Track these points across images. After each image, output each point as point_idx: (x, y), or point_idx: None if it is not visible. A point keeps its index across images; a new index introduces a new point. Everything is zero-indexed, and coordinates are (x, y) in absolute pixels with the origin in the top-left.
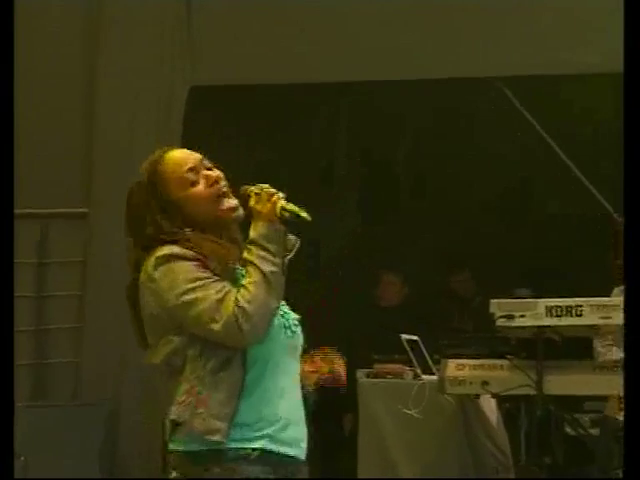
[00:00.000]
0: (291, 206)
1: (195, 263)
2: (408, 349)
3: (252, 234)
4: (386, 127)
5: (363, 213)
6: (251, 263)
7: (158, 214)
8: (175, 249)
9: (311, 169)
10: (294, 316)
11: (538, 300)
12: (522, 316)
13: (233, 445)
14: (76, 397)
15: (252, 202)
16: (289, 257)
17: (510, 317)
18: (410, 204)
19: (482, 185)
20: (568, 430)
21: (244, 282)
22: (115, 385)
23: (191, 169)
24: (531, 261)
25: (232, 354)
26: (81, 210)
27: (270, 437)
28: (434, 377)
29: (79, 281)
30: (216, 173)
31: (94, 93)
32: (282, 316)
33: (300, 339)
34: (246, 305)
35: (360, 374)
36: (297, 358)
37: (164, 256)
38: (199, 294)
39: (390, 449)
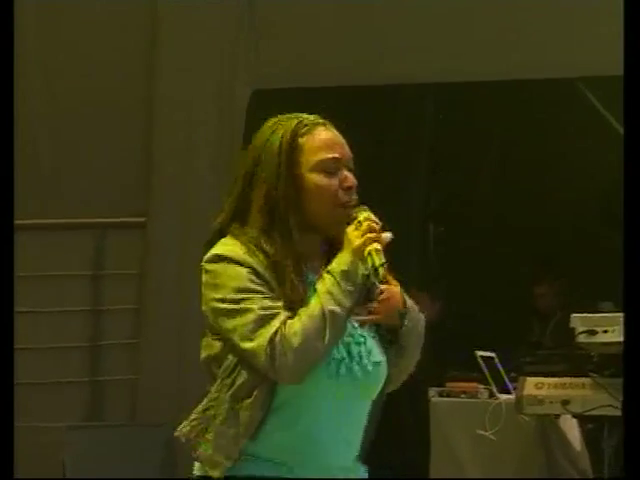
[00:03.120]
0: (378, 256)
1: (250, 270)
2: (483, 366)
3: (334, 264)
4: (468, 134)
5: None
6: (317, 294)
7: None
8: (235, 251)
9: (380, 179)
10: (376, 358)
11: (623, 314)
12: (605, 331)
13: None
14: (133, 417)
15: (351, 228)
16: (370, 306)
17: (593, 332)
18: (491, 213)
19: (563, 194)
20: None
21: (300, 311)
22: (174, 404)
23: (336, 159)
24: (614, 273)
25: (258, 383)
26: (139, 220)
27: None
28: (511, 396)
29: (136, 294)
30: (354, 182)
31: (153, 101)
32: (352, 356)
33: (374, 381)
34: (291, 336)
35: (432, 393)
36: (364, 399)
37: (220, 256)
38: (242, 305)
39: (464, 473)
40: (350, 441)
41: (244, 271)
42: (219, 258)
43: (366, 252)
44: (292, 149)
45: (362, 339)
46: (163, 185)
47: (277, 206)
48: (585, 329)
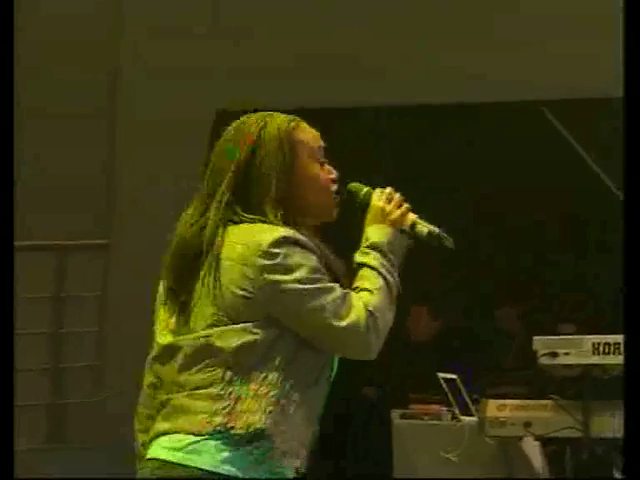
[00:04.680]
0: (426, 224)
1: (315, 253)
2: (446, 388)
3: (375, 238)
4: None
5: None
6: (373, 269)
7: (282, 174)
8: (299, 236)
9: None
10: None
11: (584, 337)
12: (567, 354)
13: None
14: (96, 439)
15: (379, 202)
16: None
17: (554, 355)
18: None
19: (528, 217)
20: (617, 475)
21: (366, 286)
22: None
23: (322, 149)
24: (575, 296)
25: (324, 365)
26: (101, 242)
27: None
28: (473, 418)
29: (98, 317)
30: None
31: (116, 121)
32: None
33: None
34: (375, 311)
35: (395, 414)
36: None
37: (288, 238)
38: (323, 285)
39: None
40: None
41: (311, 253)
42: (287, 240)
43: (409, 222)
44: (291, 142)
45: None
46: (126, 207)
47: (288, 200)
48: (547, 351)
